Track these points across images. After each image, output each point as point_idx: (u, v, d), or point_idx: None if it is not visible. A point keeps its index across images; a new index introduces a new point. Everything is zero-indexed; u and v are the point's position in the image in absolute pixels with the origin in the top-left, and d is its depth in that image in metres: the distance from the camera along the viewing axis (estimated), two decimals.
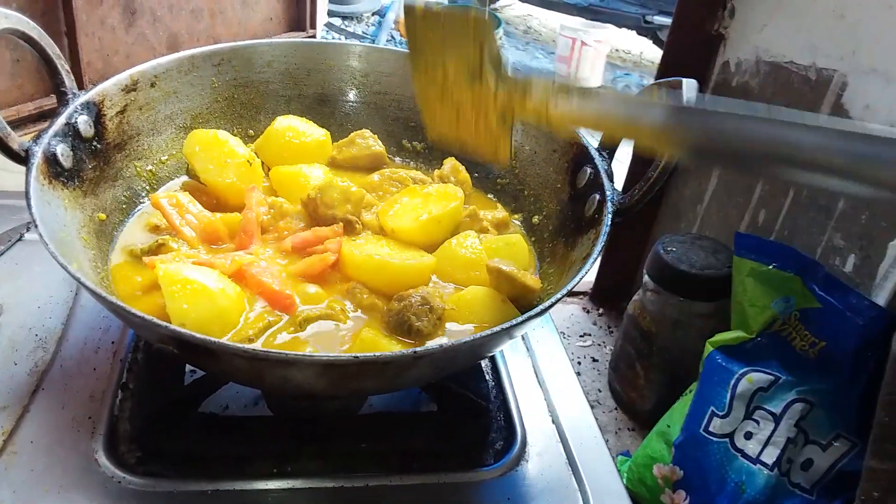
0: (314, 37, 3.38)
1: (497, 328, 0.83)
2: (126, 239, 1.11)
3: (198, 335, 0.77)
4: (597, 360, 1.88)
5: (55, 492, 0.92)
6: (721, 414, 1.40)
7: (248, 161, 1.16)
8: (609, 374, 1.81)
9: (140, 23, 2.71)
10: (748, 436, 1.36)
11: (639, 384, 1.70)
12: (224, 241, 1.10)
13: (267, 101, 1.35)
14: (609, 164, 1.12)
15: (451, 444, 1.08)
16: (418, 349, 0.80)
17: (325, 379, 0.85)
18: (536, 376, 1.23)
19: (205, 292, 0.93)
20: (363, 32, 5.41)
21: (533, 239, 1.23)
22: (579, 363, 1.87)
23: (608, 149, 1.13)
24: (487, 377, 1.20)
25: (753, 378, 1.38)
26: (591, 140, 1.15)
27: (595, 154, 1.12)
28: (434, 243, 1.13)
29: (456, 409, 1.13)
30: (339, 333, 0.98)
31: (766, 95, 1.54)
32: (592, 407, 1.76)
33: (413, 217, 1.11)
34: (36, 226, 0.87)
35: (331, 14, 5.31)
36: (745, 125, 0.74)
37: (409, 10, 0.90)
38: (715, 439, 1.39)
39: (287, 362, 0.79)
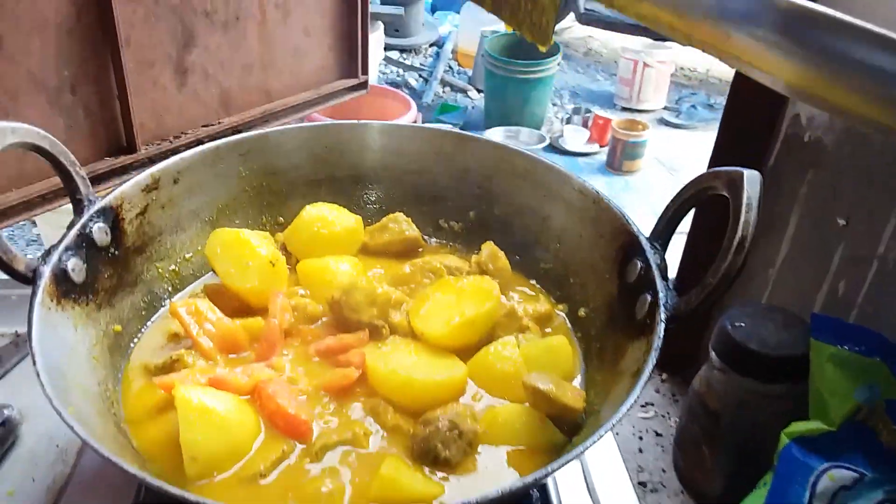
0: (366, 83, 3.32)
1: (531, 478, 0.74)
2: (142, 351, 1.05)
3: (163, 485, 0.70)
4: (660, 435, 1.73)
5: None
6: None
7: (271, 262, 1.09)
8: (674, 453, 1.67)
9: (192, 81, 2.71)
10: None
11: (706, 466, 1.56)
12: (244, 350, 1.04)
13: (297, 186, 1.28)
14: (662, 257, 1.00)
15: None
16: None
17: None
18: (591, 496, 1.12)
19: (222, 425, 0.87)
20: (420, 64, 5.38)
21: (579, 335, 1.12)
22: (640, 438, 1.72)
23: (661, 239, 1.01)
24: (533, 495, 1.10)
25: (835, 475, 1.23)
26: (642, 229, 1.04)
27: (646, 244, 1.01)
28: (469, 346, 1.04)
29: None
30: (358, 465, 0.89)
31: (843, 155, 1.38)
32: (656, 490, 1.62)
33: (445, 320, 1.02)
34: (35, 363, 0.81)
35: (388, 48, 5.31)
36: None
37: None
38: None
39: None
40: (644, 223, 0.96)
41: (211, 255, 1.11)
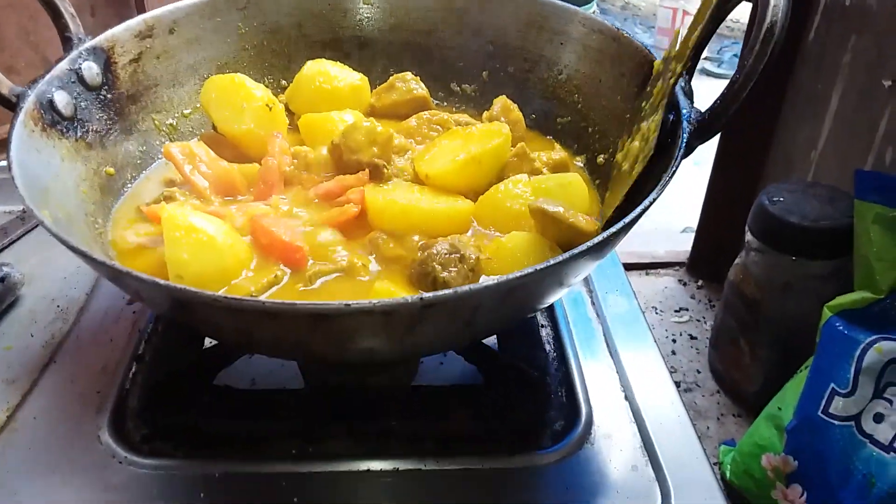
0: None
1: (529, 269, 0.66)
2: (135, 197, 1.01)
3: (160, 281, 0.65)
4: (695, 338, 1.65)
5: (50, 473, 0.83)
6: (844, 392, 1.16)
7: (266, 105, 1.04)
8: (709, 353, 1.58)
9: None
10: (878, 418, 1.13)
11: (744, 362, 1.46)
12: (241, 194, 0.99)
13: (299, 47, 1.22)
14: (687, 81, 0.92)
15: (500, 424, 0.92)
16: (425, 295, 0.64)
17: (318, 334, 0.70)
18: (608, 346, 1.05)
19: (210, 245, 0.82)
20: None
21: (597, 181, 1.04)
22: (674, 341, 1.64)
23: (684, 63, 0.93)
24: (547, 347, 1.03)
25: (884, 348, 1.14)
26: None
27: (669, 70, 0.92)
28: (477, 188, 0.97)
29: (506, 382, 0.96)
30: (355, 289, 0.84)
31: (887, 13, 1.27)
32: (690, 390, 1.54)
33: (450, 158, 0.96)
34: (10, 168, 0.77)
35: None
36: None
37: None
38: (837, 423, 1.15)
39: (263, 313, 0.65)
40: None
41: (206, 102, 1.07)
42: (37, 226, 1.22)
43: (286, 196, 0.98)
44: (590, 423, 0.92)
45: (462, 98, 1.24)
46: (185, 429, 0.89)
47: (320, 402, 0.95)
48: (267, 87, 1.19)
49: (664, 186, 0.80)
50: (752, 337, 1.44)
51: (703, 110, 0.87)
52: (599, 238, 0.70)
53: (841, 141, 1.43)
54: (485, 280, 0.83)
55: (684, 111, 0.87)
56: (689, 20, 4.91)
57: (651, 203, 0.77)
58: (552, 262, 0.67)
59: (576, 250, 0.69)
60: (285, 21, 1.21)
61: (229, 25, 1.16)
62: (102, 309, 1.07)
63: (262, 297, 0.82)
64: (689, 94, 0.90)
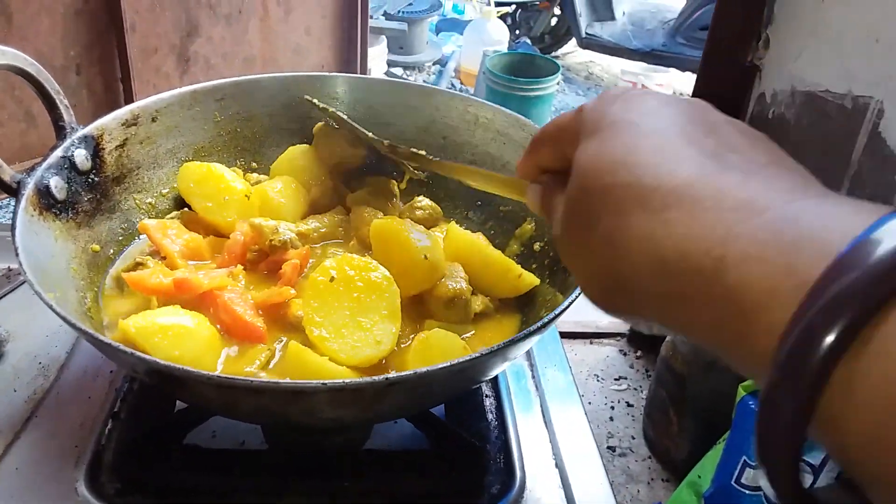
0: None
1: (478, 353, 0.79)
2: (117, 269, 1.12)
3: (161, 362, 0.75)
4: (632, 405, 1.77)
5: None
6: (754, 464, 1.29)
7: (246, 195, 1.15)
8: (643, 421, 1.71)
9: (193, 70, 2.81)
10: None
11: (672, 431, 1.59)
12: (206, 259, 1.10)
13: (270, 133, 1.35)
14: None
15: (444, 486, 1.02)
16: (391, 375, 0.76)
17: (295, 407, 0.82)
18: (544, 416, 1.17)
19: (187, 332, 0.92)
20: (424, 81, 5.51)
21: (534, 265, 1.17)
22: (612, 408, 1.76)
23: None
24: (490, 416, 1.14)
25: None
26: None
27: None
28: None
29: (451, 448, 1.07)
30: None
31: (803, 126, 1.45)
32: (624, 454, 1.66)
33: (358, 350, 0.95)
34: (17, 254, 0.88)
35: (391, 64, 5.44)
36: None
37: None
38: (747, 492, 1.28)
39: (252, 390, 0.76)
40: None
41: (185, 190, 1.17)
42: (21, 284, 1.31)
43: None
44: (523, 487, 1.03)
45: (415, 183, 1.37)
46: (156, 484, 0.98)
47: (279, 463, 1.04)
48: (239, 167, 1.32)
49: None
50: (679, 408, 1.57)
51: None
52: (538, 325, 0.83)
53: None
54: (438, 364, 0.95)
55: None
56: None
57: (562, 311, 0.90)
58: (497, 346, 0.80)
59: (511, 340, 0.81)
60: (258, 111, 1.34)
61: (206, 114, 1.29)
62: (82, 367, 1.15)
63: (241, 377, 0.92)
64: None
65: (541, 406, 1.18)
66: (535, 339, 0.87)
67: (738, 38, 1.67)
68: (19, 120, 2.36)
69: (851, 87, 1.36)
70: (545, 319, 0.84)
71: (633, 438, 1.72)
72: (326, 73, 1.39)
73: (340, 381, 0.73)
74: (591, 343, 2.02)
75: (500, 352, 0.80)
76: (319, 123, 1.31)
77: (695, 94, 1.78)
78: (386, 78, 1.32)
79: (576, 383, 1.25)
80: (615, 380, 1.89)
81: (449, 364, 0.77)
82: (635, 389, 1.86)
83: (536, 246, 1.19)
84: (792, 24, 1.52)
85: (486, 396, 1.18)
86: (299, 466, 1.02)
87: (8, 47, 1.01)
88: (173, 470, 1.00)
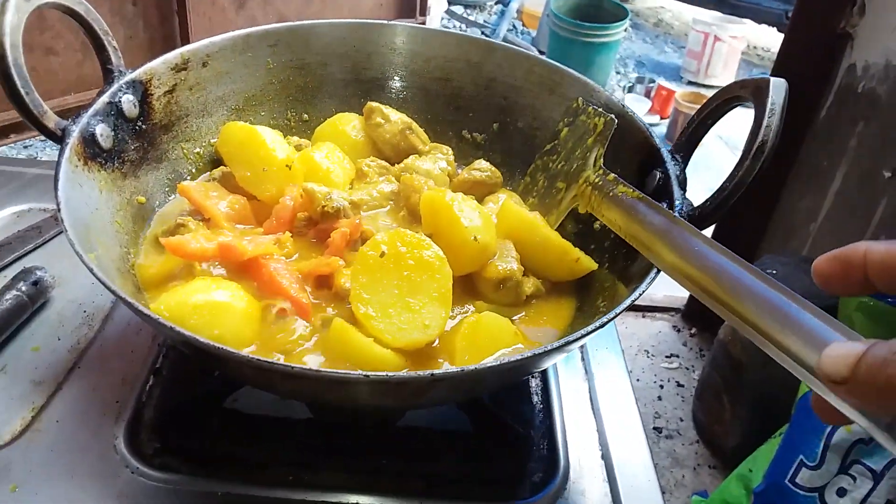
0: (424, 24, 3.33)
1: (530, 352, 0.74)
2: (160, 223, 1.08)
3: (207, 342, 0.71)
4: (682, 386, 1.71)
5: (68, 476, 0.91)
6: (811, 465, 1.23)
7: (287, 165, 1.08)
8: (693, 403, 1.65)
9: (250, 5, 2.74)
10: (841, 492, 1.19)
11: (724, 418, 1.53)
12: (252, 224, 1.07)
13: (324, 84, 1.29)
14: (682, 170, 0.98)
15: (484, 471, 0.99)
16: (436, 372, 0.71)
17: (335, 394, 0.79)
18: (591, 403, 1.11)
19: (223, 308, 0.88)
20: (485, 21, 5.33)
21: (592, 247, 1.10)
22: (661, 387, 1.71)
23: (682, 151, 0.99)
24: (535, 399, 1.10)
25: (853, 428, 1.20)
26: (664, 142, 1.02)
27: (667, 157, 0.99)
28: None
29: (494, 432, 1.03)
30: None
31: (894, 104, 1.32)
32: (671, 437, 1.61)
33: (405, 333, 0.90)
34: (59, 209, 0.85)
35: (452, 2, 5.27)
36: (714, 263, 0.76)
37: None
38: (802, 493, 1.22)
39: (291, 375, 0.73)
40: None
41: (225, 153, 1.12)
42: None
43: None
44: (566, 477, 0.99)
45: (471, 145, 1.30)
46: (194, 447, 0.97)
47: (319, 434, 1.02)
48: (289, 118, 1.26)
49: (655, 276, 0.87)
50: (734, 395, 1.51)
51: (695, 204, 0.93)
52: (581, 333, 0.77)
53: (839, 218, 1.48)
54: (487, 361, 0.90)
55: (677, 202, 0.93)
56: (719, 46, 4.95)
57: (641, 292, 0.84)
58: (548, 347, 0.74)
59: (557, 344, 0.76)
60: (312, 59, 1.27)
61: (259, 60, 1.23)
62: (126, 319, 1.14)
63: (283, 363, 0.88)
64: (683, 184, 0.96)
65: (588, 389, 1.13)
66: (589, 338, 0.81)
67: (831, 2, 1.53)
68: (76, 50, 2.34)
69: None
70: (603, 320, 0.78)
71: (682, 421, 1.67)
72: (385, 22, 1.31)
73: (384, 374, 0.69)
74: (643, 317, 1.95)
75: (551, 352, 0.75)
76: (371, 104, 1.24)
77: (779, 60, 1.65)
78: (447, 30, 1.23)
79: (626, 361, 1.18)
80: (666, 357, 1.83)
81: (497, 363, 0.73)
82: (687, 369, 1.80)
83: (596, 225, 1.11)
84: None
85: (533, 377, 1.13)
86: (338, 440, 1.00)
87: None
88: (212, 434, 0.99)
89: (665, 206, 0.93)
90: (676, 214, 0.91)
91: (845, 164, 1.47)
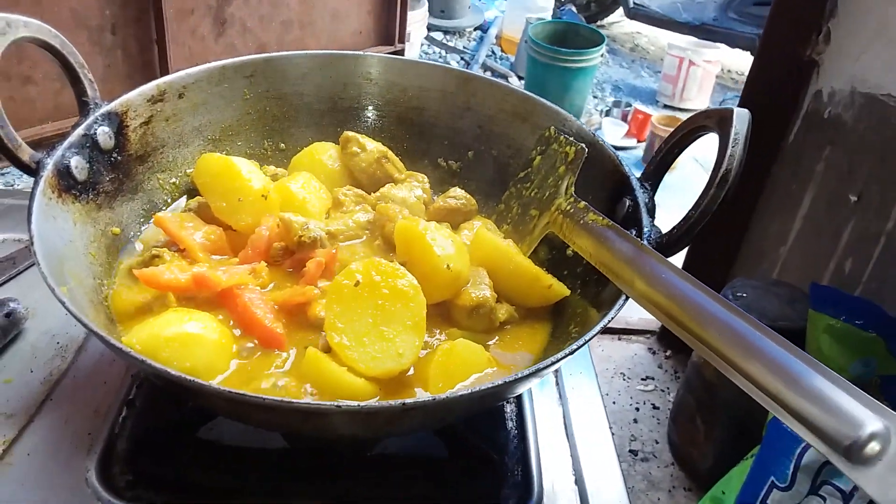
0: (402, 52, 3.36)
1: (502, 380, 0.75)
2: (137, 252, 1.08)
3: (178, 374, 0.72)
4: (657, 408, 1.73)
5: None
6: (782, 486, 1.24)
7: (262, 196, 1.09)
8: (668, 426, 1.66)
9: (230, 33, 2.76)
10: None
11: (698, 440, 1.55)
12: (228, 255, 1.07)
13: (300, 114, 1.30)
14: (650, 197, 1.00)
15: (458, 497, 1.00)
16: (408, 401, 0.72)
17: (308, 425, 0.79)
18: (566, 428, 1.12)
19: (194, 340, 0.88)
20: (464, 47, 5.39)
21: (565, 272, 1.12)
22: (637, 409, 1.72)
23: (651, 179, 1.02)
24: (510, 424, 1.11)
25: None
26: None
27: (636, 185, 1.01)
28: None
29: (467, 458, 1.04)
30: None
31: (860, 130, 1.36)
32: (647, 459, 1.62)
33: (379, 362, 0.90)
34: (32, 243, 0.85)
35: (431, 28, 5.32)
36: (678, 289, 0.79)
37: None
38: None
39: (262, 407, 0.73)
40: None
41: (201, 184, 1.12)
42: None
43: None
44: (540, 503, 0.99)
45: (447, 172, 1.32)
46: (167, 479, 0.96)
47: (294, 463, 1.02)
48: (266, 148, 1.27)
49: (623, 303, 0.88)
50: (708, 417, 1.53)
51: (663, 231, 0.95)
52: (551, 360, 0.78)
53: (808, 242, 1.51)
54: (459, 389, 0.91)
55: (646, 229, 0.95)
56: (694, 70, 5.04)
57: (610, 319, 0.86)
58: (519, 374, 0.76)
59: (527, 371, 0.77)
60: (289, 89, 1.29)
61: (235, 91, 1.24)
62: (99, 350, 1.13)
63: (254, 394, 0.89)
64: (651, 211, 0.98)
65: (563, 414, 1.14)
66: (560, 364, 0.82)
67: (797, 29, 1.57)
68: (53, 79, 2.34)
69: None
70: (572, 347, 0.80)
71: (657, 443, 1.68)
72: (360, 53, 1.33)
73: (355, 404, 0.70)
74: (619, 339, 1.97)
75: (520, 380, 0.76)
76: (347, 133, 1.26)
77: (748, 85, 1.69)
78: (422, 61, 1.25)
79: (600, 385, 1.20)
80: (642, 379, 1.84)
81: (468, 392, 0.74)
82: (662, 391, 1.81)
83: (569, 251, 1.13)
84: (857, 19, 1.42)
85: (508, 402, 1.14)
86: (310, 468, 1.00)
87: (33, 19, 0.96)
88: (185, 465, 0.99)
89: (634, 233, 0.95)
90: (645, 242, 0.93)
91: (813, 188, 1.50)
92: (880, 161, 1.33)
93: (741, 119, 0.86)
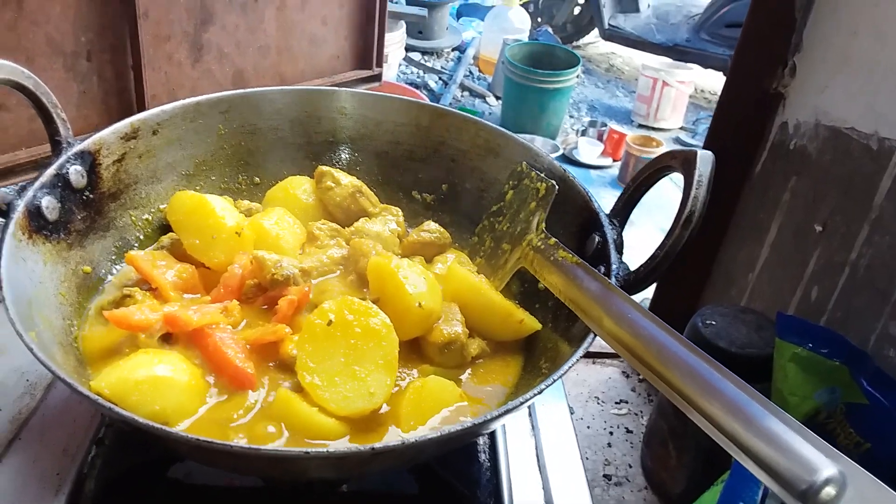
0: (380, 76, 3.39)
1: (471, 421, 0.76)
2: (107, 294, 1.08)
3: (145, 422, 0.72)
4: (631, 432, 1.74)
5: None
6: None
7: (236, 232, 1.09)
8: (642, 450, 1.68)
9: (207, 59, 2.76)
10: None
11: (670, 464, 1.56)
12: (200, 293, 1.07)
13: (275, 148, 1.31)
14: (619, 233, 1.02)
15: None
16: (377, 446, 0.73)
17: (278, 470, 0.80)
18: (538, 459, 1.13)
19: (164, 382, 0.88)
20: (441, 68, 5.43)
21: (537, 306, 1.14)
22: (611, 433, 1.73)
23: (619, 216, 1.04)
24: (482, 457, 1.11)
25: None
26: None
27: (605, 221, 1.03)
28: None
29: (439, 494, 1.04)
30: None
31: (824, 161, 1.39)
32: (620, 484, 1.63)
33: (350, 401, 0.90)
34: (1, 287, 0.84)
35: (409, 49, 5.36)
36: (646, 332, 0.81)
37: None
38: None
39: (230, 454, 0.73)
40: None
41: (174, 222, 1.12)
42: None
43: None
44: None
45: (421, 205, 1.33)
46: None
47: (262, 500, 1.02)
48: (240, 182, 1.28)
49: (590, 342, 0.90)
50: (679, 442, 1.54)
51: (631, 269, 0.97)
52: (520, 400, 0.79)
53: (775, 269, 1.54)
54: (431, 432, 0.92)
55: (614, 266, 0.97)
56: (667, 90, 5.12)
57: (578, 358, 0.87)
58: (488, 416, 0.77)
59: (496, 413, 0.78)
60: (263, 124, 1.30)
61: (210, 127, 1.24)
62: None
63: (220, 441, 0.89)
64: (620, 248, 1.00)
65: (535, 446, 1.15)
66: (529, 403, 0.84)
67: (764, 62, 1.61)
68: (27, 105, 2.32)
69: (878, 128, 1.31)
70: (541, 387, 0.81)
71: (630, 467, 1.69)
72: (335, 88, 1.35)
73: (324, 450, 0.71)
74: (593, 363, 1.98)
75: (490, 420, 0.77)
76: (321, 167, 1.27)
77: (717, 116, 1.72)
78: (396, 96, 1.26)
79: (574, 409, 1.21)
80: (616, 403, 1.86)
81: (437, 434, 0.74)
82: (636, 415, 1.83)
83: (541, 285, 1.15)
84: (821, 53, 1.46)
85: (480, 435, 1.15)
86: None
87: (5, 60, 0.97)
88: None
89: (603, 269, 0.97)
90: (613, 279, 0.95)
91: (780, 217, 1.53)
92: (844, 193, 1.36)
93: (704, 161, 0.88)
